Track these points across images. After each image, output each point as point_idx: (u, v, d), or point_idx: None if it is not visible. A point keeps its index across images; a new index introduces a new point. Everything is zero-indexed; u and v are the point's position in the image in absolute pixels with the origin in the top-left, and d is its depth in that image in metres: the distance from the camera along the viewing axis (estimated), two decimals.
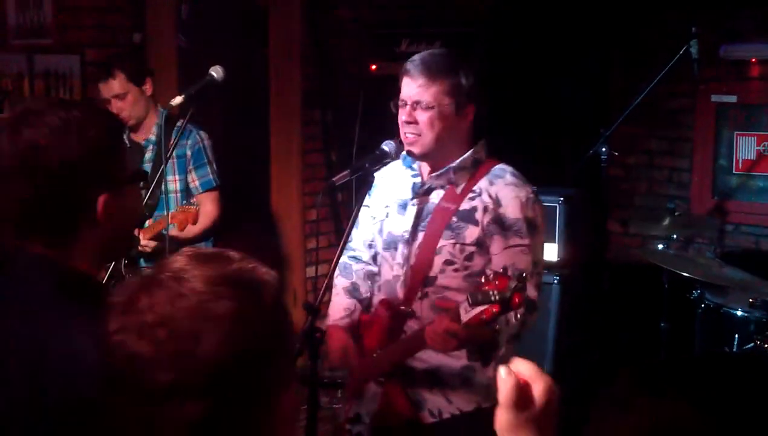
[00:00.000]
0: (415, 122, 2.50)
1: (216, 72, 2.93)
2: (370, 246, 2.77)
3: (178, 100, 2.88)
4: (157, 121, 3.74)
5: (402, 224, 2.63)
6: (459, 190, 2.55)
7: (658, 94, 4.85)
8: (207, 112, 3.99)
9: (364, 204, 2.61)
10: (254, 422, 1.08)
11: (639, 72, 5.12)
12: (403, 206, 2.64)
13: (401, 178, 2.68)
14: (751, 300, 3.75)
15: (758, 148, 5.06)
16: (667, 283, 4.25)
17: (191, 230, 3.54)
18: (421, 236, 2.57)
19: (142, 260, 3.67)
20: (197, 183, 3.80)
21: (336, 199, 5.15)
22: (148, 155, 3.75)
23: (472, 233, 2.51)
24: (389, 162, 2.60)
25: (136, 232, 3.36)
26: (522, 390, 1.31)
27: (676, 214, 4.30)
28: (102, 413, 1.10)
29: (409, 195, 2.64)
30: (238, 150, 5.03)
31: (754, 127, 5.07)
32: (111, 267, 3.06)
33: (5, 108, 4.91)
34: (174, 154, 3.63)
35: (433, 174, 2.58)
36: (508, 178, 2.55)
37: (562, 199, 4.17)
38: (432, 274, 2.54)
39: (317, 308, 2.31)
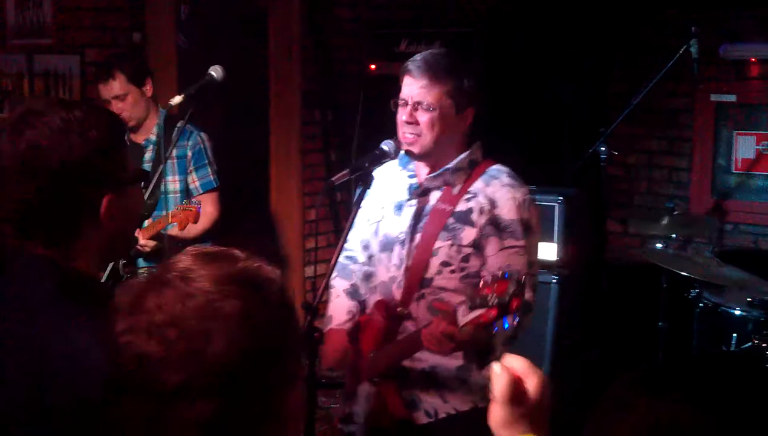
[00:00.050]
0: (416, 123, 2.49)
1: (215, 72, 2.93)
2: (366, 247, 2.77)
3: (177, 99, 2.88)
4: (158, 121, 3.74)
5: (398, 225, 2.62)
6: (455, 191, 2.55)
7: (657, 94, 4.85)
8: (207, 113, 3.99)
9: (360, 205, 2.61)
10: (263, 420, 1.08)
11: (638, 71, 5.12)
12: (399, 207, 2.64)
13: (397, 179, 2.68)
14: (749, 299, 3.76)
15: (758, 147, 5.06)
16: (666, 282, 4.25)
17: (191, 230, 3.54)
18: (417, 237, 2.57)
19: (140, 260, 3.67)
20: (198, 184, 3.80)
21: (335, 199, 5.15)
22: (148, 155, 3.75)
23: (468, 234, 2.51)
24: (388, 161, 2.60)
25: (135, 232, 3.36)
26: (516, 385, 1.31)
27: (675, 213, 4.30)
28: (105, 413, 1.10)
29: (405, 196, 2.63)
30: (238, 150, 5.03)
31: (753, 126, 5.07)
32: (109, 267, 3.07)
33: (5, 108, 4.91)
34: (174, 154, 3.63)
35: (430, 175, 2.58)
36: (504, 179, 2.55)
37: (561, 198, 4.17)
38: (428, 275, 2.54)
39: (316, 308, 2.31)
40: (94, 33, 4.42)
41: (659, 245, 4.28)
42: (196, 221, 3.45)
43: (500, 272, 2.34)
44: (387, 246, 2.64)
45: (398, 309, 2.56)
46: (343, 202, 5.11)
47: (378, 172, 2.63)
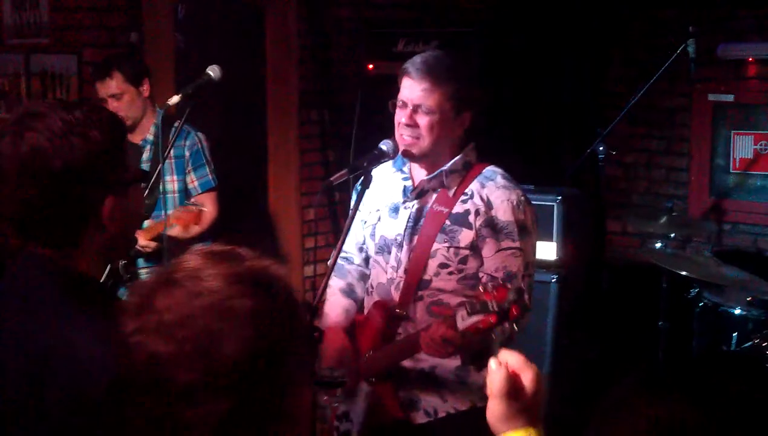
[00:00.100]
0: (416, 125, 2.49)
1: (213, 71, 2.93)
2: (361, 249, 2.77)
3: (175, 99, 2.88)
4: (155, 121, 3.74)
5: (394, 227, 2.63)
6: (451, 193, 2.56)
7: (655, 94, 4.85)
8: (204, 112, 3.99)
9: (351, 211, 2.60)
10: (274, 419, 1.08)
11: (636, 71, 5.12)
12: (395, 210, 2.64)
13: (391, 181, 2.68)
14: (749, 299, 3.76)
15: (755, 147, 5.06)
16: (666, 282, 4.25)
17: (192, 230, 3.54)
18: (414, 239, 2.57)
19: (140, 261, 3.67)
20: (196, 184, 3.80)
21: (334, 198, 5.14)
22: (146, 156, 3.75)
23: (466, 236, 2.51)
24: (387, 161, 2.59)
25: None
26: (513, 380, 1.32)
27: (673, 213, 4.30)
28: (117, 412, 1.09)
29: (400, 198, 2.64)
30: (236, 150, 5.03)
31: (751, 126, 5.07)
32: (109, 267, 3.05)
33: (2, 108, 4.90)
34: (172, 154, 3.63)
35: (426, 177, 2.58)
36: (499, 180, 2.56)
37: (559, 198, 4.16)
38: (426, 277, 2.55)
39: (316, 308, 2.32)
40: (92, 33, 4.41)
41: (658, 245, 4.28)
42: (198, 223, 3.44)
43: (501, 279, 2.37)
44: (384, 248, 2.65)
45: (397, 311, 2.57)
46: (341, 201, 5.10)
47: (372, 174, 2.62)
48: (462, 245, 2.51)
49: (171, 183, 3.76)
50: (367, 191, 2.55)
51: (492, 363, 1.37)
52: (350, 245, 2.78)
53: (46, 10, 4.56)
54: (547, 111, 5.12)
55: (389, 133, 2.57)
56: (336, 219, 5.18)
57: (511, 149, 4.48)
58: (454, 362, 2.54)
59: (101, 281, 1.65)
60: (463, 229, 2.51)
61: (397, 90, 2.56)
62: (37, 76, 4.68)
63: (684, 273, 3.84)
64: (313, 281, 5.16)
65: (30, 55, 4.70)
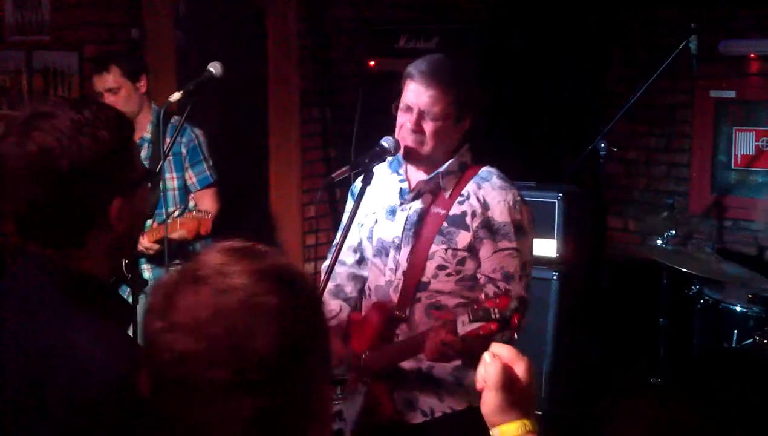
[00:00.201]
0: (422, 131, 2.49)
1: (214, 68, 2.93)
2: (355, 251, 2.78)
3: (176, 96, 2.88)
4: (151, 119, 3.74)
5: (392, 229, 2.63)
6: (447, 194, 2.56)
7: (656, 91, 4.85)
8: (206, 110, 3.99)
9: (350, 211, 2.60)
10: (300, 415, 1.08)
11: (638, 69, 5.12)
12: (392, 212, 2.64)
13: (387, 183, 2.68)
14: (750, 296, 3.77)
15: (757, 143, 5.06)
16: (666, 279, 4.26)
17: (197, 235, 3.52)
18: (412, 241, 2.57)
19: (142, 261, 3.67)
20: (194, 180, 3.79)
21: (335, 195, 5.15)
22: (144, 154, 3.75)
23: (464, 238, 2.52)
24: (388, 158, 2.59)
25: None
26: (507, 372, 1.34)
27: (674, 210, 4.30)
28: (150, 411, 1.08)
29: (397, 201, 2.64)
30: (237, 147, 5.03)
31: (752, 122, 5.07)
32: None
33: (3, 105, 4.91)
34: (170, 151, 3.63)
35: (423, 179, 2.59)
36: (495, 181, 2.56)
37: (560, 195, 4.16)
38: (425, 279, 2.55)
39: None
40: (93, 30, 4.42)
41: (659, 242, 4.28)
42: (207, 231, 3.42)
43: (498, 280, 2.39)
44: (381, 251, 2.65)
45: (396, 313, 2.57)
46: (342, 199, 5.11)
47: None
48: (460, 246, 2.51)
49: (170, 180, 3.76)
50: (368, 188, 2.55)
51: (486, 356, 1.39)
52: (343, 247, 2.78)
53: (48, 8, 4.56)
54: (547, 110, 5.12)
55: (390, 130, 2.57)
56: (337, 216, 5.18)
57: (511, 149, 4.49)
58: (452, 363, 2.54)
59: (106, 281, 1.64)
60: (461, 230, 2.52)
61: (398, 87, 2.55)
62: (38, 73, 4.69)
63: (685, 270, 3.84)
64: (314, 279, 5.16)
65: (32, 52, 4.70)
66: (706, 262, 4.01)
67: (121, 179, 1.51)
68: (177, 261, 3.59)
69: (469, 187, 2.55)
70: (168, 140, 3.39)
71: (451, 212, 2.54)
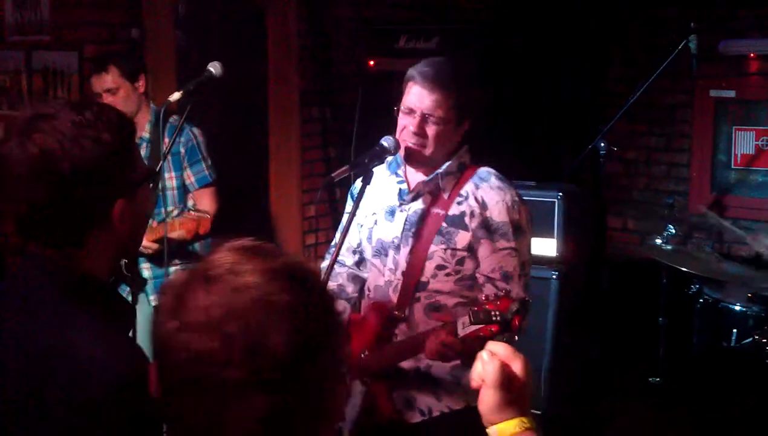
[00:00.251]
0: (424, 135, 2.50)
1: (214, 68, 2.93)
2: (354, 252, 2.79)
3: (176, 95, 2.88)
4: (150, 118, 3.74)
5: (391, 230, 2.63)
6: (446, 195, 2.56)
7: (656, 90, 4.86)
8: (206, 110, 3.99)
9: (350, 211, 2.60)
10: (314, 413, 1.08)
11: (637, 68, 5.13)
12: (391, 213, 2.65)
13: (386, 184, 2.68)
14: (749, 295, 3.77)
15: (757, 142, 5.07)
16: (666, 278, 4.26)
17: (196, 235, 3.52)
18: (411, 242, 2.58)
19: (142, 260, 3.67)
20: (193, 179, 3.79)
21: (335, 195, 5.15)
22: (142, 153, 3.74)
23: (463, 238, 2.52)
24: (388, 157, 2.59)
25: None
26: (505, 371, 1.35)
27: (674, 209, 4.31)
28: (165, 410, 1.08)
29: (396, 202, 2.64)
30: (237, 147, 5.03)
31: (752, 122, 5.08)
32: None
33: (3, 105, 4.91)
34: (169, 151, 3.62)
35: (423, 180, 2.59)
36: (493, 181, 2.57)
37: (560, 194, 4.16)
38: (424, 279, 2.56)
39: None
40: (93, 29, 4.42)
41: (659, 241, 4.28)
42: (206, 231, 3.42)
43: (497, 280, 2.39)
44: (381, 251, 2.66)
45: (395, 313, 2.58)
46: (342, 198, 5.11)
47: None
48: (459, 246, 2.52)
49: (169, 180, 3.75)
50: (367, 189, 2.55)
51: (483, 354, 1.39)
52: (342, 247, 2.79)
53: (48, 8, 4.57)
54: (547, 110, 5.12)
55: (390, 130, 2.57)
56: (337, 216, 5.18)
57: (511, 149, 4.49)
58: (451, 362, 2.55)
59: (106, 281, 1.63)
60: (460, 230, 2.53)
61: (398, 87, 2.55)
62: (38, 73, 4.69)
63: (684, 269, 3.84)
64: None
65: (31, 52, 4.70)
66: (705, 261, 4.02)
67: (123, 180, 1.51)
68: (176, 260, 3.61)
69: (468, 188, 2.56)
70: (167, 140, 3.39)
71: (450, 212, 2.54)
